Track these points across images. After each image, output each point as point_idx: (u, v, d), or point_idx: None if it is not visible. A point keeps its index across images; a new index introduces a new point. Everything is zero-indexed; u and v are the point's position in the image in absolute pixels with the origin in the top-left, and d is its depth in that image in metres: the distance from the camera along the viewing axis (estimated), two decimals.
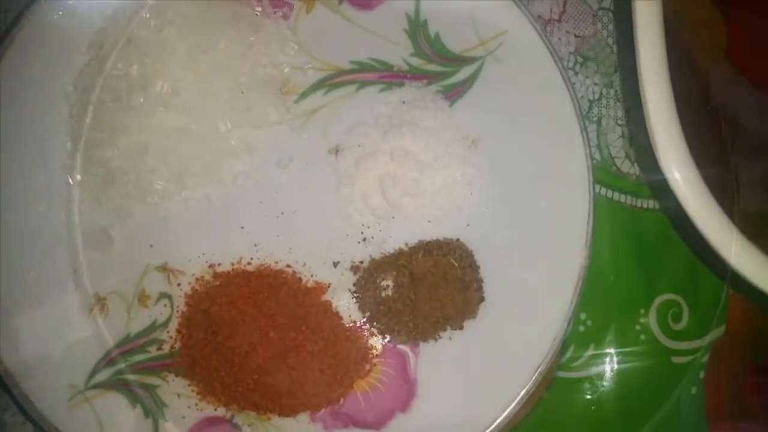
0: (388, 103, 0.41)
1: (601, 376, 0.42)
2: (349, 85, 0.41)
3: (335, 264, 0.40)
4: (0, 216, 0.37)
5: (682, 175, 0.32)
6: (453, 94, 0.41)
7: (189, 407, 0.37)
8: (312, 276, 0.39)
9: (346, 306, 0.39)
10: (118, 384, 0.37)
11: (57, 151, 0.39)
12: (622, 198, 0.45)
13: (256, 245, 0.39)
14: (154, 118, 0.38)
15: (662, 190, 0.44)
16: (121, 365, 0.37)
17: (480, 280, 0.39)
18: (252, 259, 0.39)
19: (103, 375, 0.37)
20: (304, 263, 0.40)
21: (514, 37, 0.40)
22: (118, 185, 0.38)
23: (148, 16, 0.39)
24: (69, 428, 0.35)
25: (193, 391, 0.37)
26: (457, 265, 0.39)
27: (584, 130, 0.39)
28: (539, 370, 0.37)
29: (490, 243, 0.39)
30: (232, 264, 0.39)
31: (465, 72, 0.40)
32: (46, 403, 0.35)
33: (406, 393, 0.38)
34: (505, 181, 0.40)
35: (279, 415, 0.37)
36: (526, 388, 0.37)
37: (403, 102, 0.41)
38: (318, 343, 0.38)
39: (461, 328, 0.39)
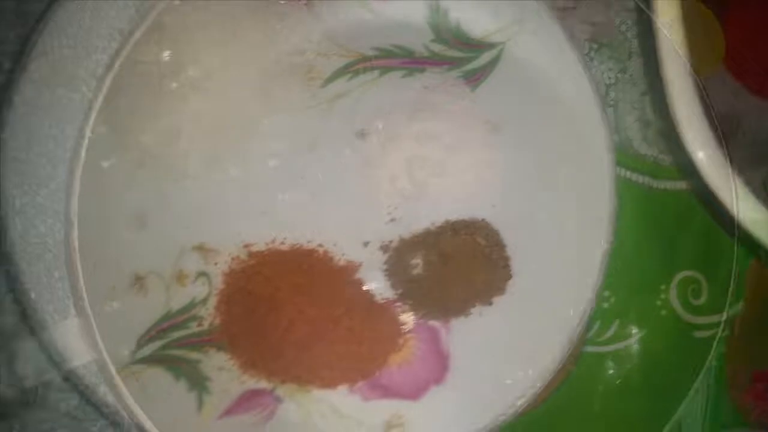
0: (410, 89, 0.42)
1: (626, 350, 0.43)
2: (372, 71, 0.43)
3: (365, 244, 0.41)
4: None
5: (706, 153, 0.34)
6: (474, 79, 0.42)
7: (231, 380, 0.38)
8: (343, 255, 0.41)
9: (377, 284, 0.40)
10: (161, 359, 0.38)
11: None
12: (640, 178, 0.46)
13: (288, 226, 0.41)
14: (187, 102, 0.40)
15: (682, 169, 0.47)
16: (163, 341, 0.38)
17: (507, 258, 0.40)
18: (285, 239, 0.41)
19: (147, 351, 0.37)
20: (335, 243, 0.41)
21: (533, 24, 0.41)
22: (152, 169, 0.40)
23: (177, 3, 0.40)
24: (117, 402, 0.36)
25: (234, 365, 0.38)
26: (484, 243, 0.41)
27: (605, 112, 0.40)
28: (569, 343, 0.38)
29: (515, 222, 0.41)
30: (266, 244, 0.40)
31: (485, 57, 0.42)
32: (95, 377, 0.36)
33: (439, 366, 0.39)
34: (528, 162, 0.41)
35: (319, 387, 0.38)
36: (557, 361, 0.38)
37: (425, 87, 0.42)
38: (354, 318, 0.39)
39: (490, 304, 0.40)
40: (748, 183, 0.42)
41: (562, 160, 0.41)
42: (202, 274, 0.40)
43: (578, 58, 0.41)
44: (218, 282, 0.40)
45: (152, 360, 0.38)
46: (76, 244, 0.33)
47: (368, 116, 0.42)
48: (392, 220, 0.41)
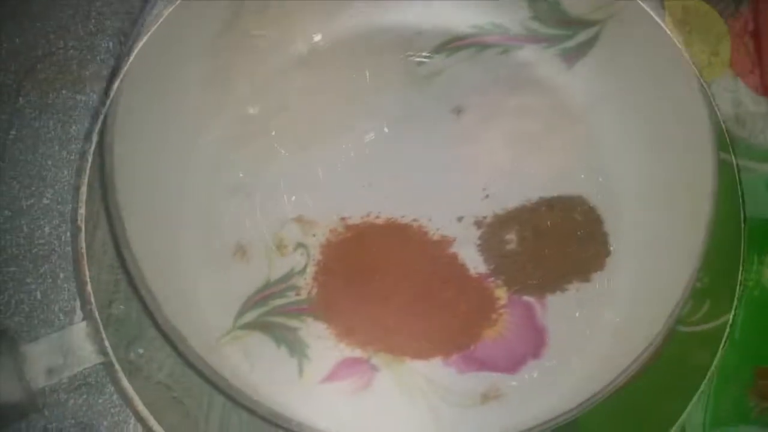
0: (507, 66, 0.43)
1: (718, 329, 0.43)
2: (470, 49, 0.43)
3: (459, 219, 0.41)
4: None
5: None
6: (571, 57, 0.42)
7: (329, 348, 0.39)
8: (437, 230, 0.41)
9: (471, 259, 0.41)
10: (262, 325, 0.39)
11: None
12: (733, 159, 0.46)
13: (383, 200, 0.41)
14: (293, 77, 0.41)
15: None
16: (264, 308, 0.39)
17: (605, 234, 0.40)
18: (380, 213, 0.41)
19: (248, 317, 0.38)
20: (430, 218, 0.41)
21: (632, 3, 0.41)
22: (258, 141, 0.41)
23: None
24: (220, 366, 0.37)
25: (331, 333, 0.39)
26: (580, 219, 0.41)
27: (706, 90, 0.40)
28: (666, 321, 0.38)
29: (613, 198, 0.41)
30: (362, 217, 0.41)
31: (584, 35, 0.42)
32: (198, 340, 0.37)
33: (536, 340, 0.39)
34: (627, 139, 0.41)
35: (413, 358, 0.39)
36: (653, 339, 0.38)
37: (522, 64, 0.43)
38: (448, 291, 0.40)
39: (588, 280, 0.40)
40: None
41: (661, 138, 0.40)
42: (300, 245, 0.40)
43: (676, 40, 0.41)
44: (316, 253, 0.40)
45: (254, 326, 0.39)
46: (84, 249, 0.33)
47: (465, 93, 0.42)
48: (487, 196, 0.41)
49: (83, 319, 0.33)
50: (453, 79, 0.42)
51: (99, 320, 0.32)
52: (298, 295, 0.40)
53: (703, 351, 0.42)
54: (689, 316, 0.42)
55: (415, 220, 0.41)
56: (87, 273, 0.33)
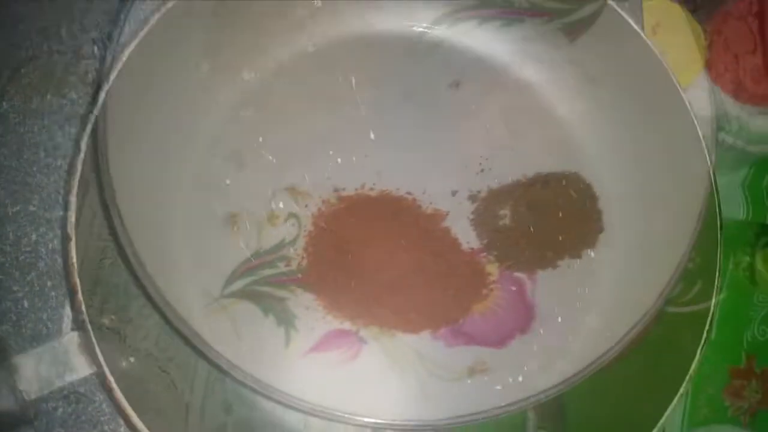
0: (508, 39, 0.42)
1: (707, 311, 0.43)
2: (471, 21, 0.42)
3: (453, 193, 0.41)
4: None
5: None
6: (574, 31, 0.42)
7: (317, 320, 0.38)
8: (431, 203, 0.41)
9: (464, 233, 0.40)
10: (251, 294, 0.38)
11: None
12: (732, 140, 0.46)
13: (378, 173, 0.41)
14: (289, 43, 0.40)
15: None
16: (253, 278, 0.38)
17: (599, 212, 0.40)
18: (374, 184, 0.41)
19: (237, 286, 0.38)
20: (424, 191, 0.41)
21: None
22: (251, 108, 0.40)
23: None
24: (206, 332, 0.36)
25: (320, 305, 0.39)
26: (575, 196, 0.40)
27: (704, 73, 0.40)
28: (656, 301, 0.38)
29: (608, 176, 0.40)
30: (356, 189, 0.41)
31: (587, 10, 0.41)
32: (186, 308, 0.36)
33: (524, 315, 0.39)
34: (624, 116, 0.41)
35: (402, 331, 0.39)
36: (642, 318, 0.38)
37: (524, 38, 0.42)
38: (439, 265, 0.39)
39: (580, 257, 0.40)
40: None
41: (658, 116, 0.40)
42: (292, 215, 0.40)
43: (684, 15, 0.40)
44: (307, 224, 0.40)
45: (242, 295, 0.38)
46: (75, 259, 0.32)
47: (465, 66, 0.42)
48: (482, 170, 0.41)
49: (74, 329, 0.33)
50: (453, 51, 0.42)
51: (91, 330, 0.31)
52: (288, 265, 0.39)
53: (691, 332, 0.43)
54: (680, 297, 0.42)
55: (408, 193, 0.41)
56: (78, 282, 0.32)
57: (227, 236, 0.39)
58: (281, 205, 0.40)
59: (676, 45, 0.50)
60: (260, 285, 0.39)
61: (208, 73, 0.40)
